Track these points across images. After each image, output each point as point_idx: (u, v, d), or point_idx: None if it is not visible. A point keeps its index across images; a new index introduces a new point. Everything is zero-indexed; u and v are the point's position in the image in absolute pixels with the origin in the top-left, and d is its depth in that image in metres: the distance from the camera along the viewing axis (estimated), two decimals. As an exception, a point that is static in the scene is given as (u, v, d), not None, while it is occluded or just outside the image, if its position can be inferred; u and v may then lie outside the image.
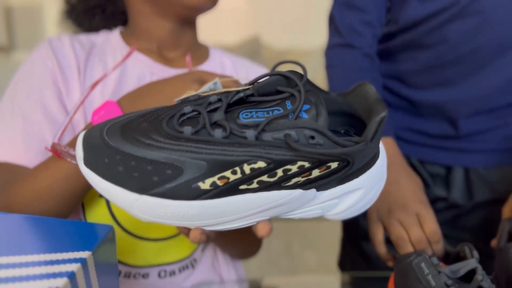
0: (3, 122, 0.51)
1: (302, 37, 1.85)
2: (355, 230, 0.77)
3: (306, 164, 0.29)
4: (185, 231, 0.35)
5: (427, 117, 0.66)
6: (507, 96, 0.61)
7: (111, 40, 0.61)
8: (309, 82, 0.32)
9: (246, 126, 0.29)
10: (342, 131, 0.36)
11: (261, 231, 0.32)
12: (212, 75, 0.43)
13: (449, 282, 0.37)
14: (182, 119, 0.31)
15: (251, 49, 1.77)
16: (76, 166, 0.43)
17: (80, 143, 0.31)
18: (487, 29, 0.57)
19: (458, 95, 0.60)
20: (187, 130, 0.29)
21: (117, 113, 0.43)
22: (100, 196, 0.53)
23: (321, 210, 0.34)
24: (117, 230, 0.53)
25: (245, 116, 0.30)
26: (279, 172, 0.30)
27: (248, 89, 0.32)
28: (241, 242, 0.62)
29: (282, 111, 0.30)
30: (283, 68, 0.34)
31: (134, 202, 0.30)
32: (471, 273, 0.39)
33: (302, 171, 0.30)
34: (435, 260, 0.40)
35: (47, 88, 0.54)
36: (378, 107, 0.31)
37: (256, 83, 0.32)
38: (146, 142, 0.30)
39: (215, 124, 0.30)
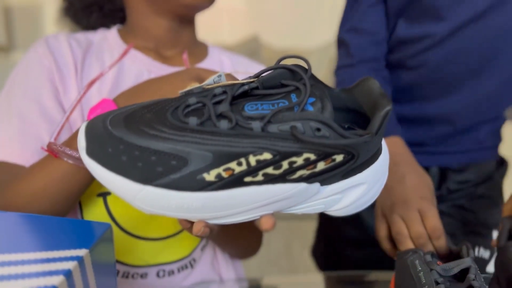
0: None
1: (302, 36, 1.85)
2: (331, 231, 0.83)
3: (312, 156, 0.29)
4: (187, 226, 0.34)
5: (408, 127, 0.71)
6: (477, 114, 0.70)
7: (108, 38, 0.61)
8: (313, 77, 0.32)
9: (252, 118, 0.29)
10: (346, 126, 0.36)
11: (265, 224, 0.32)
12: (210, 72, 0.43)
13: (440, 280, 0.38)
14: (186, 110, 0.30)
15: (250, 48, 1.77)
16: (73, 166, 0.43)
17: (83, 133, 0.31)
18: (462, 57, 0.65)
19: (434, 112, 0.67)
20: (192, 121, 0.29)
21: None
22: (98, 195, 0.52)
23: (324, 205, 0.34)
24: (115, 230, 0.53)
25: (250, 108, 0.30)
26: (285, 164, 0.29)
27: (253, 82, 0.32)
28: (241, 241, 0.62)
29: (287, 103, 0.30)
30: (286, 63, 0.33)
31: (137, 193, 0.29)
32: (467, 272, 0.39)
33: (307, 163, 0.30)
34: (428, 257, 0.40)
35: (44, 87, 0.53)
36: (383, 101, 0.31)
37: (260, 76, 0.32)
38: (150, 133, 0.29)
39: (221, 116, 0.30)
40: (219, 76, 0.33)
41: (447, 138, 0.69)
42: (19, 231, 0.32)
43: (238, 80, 0.39)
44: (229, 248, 0.63)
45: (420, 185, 0.55)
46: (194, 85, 0.32)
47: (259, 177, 0.30)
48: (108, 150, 0.29)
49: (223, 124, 0.29)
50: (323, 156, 0.29)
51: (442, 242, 0.49)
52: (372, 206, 0.53)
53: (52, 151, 0.43)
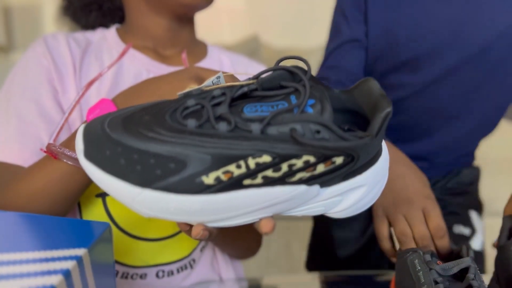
0: None
1: (301, 36, 1.85)
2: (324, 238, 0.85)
3: (312, 159, 0.29)
4: (186, 228, 0.34)
5: None
6: (451, 152, 0.76)
7: (107, 38, 0.61)
8: (313, 78, 0.32)
9: (251, 120, 0.29)
10: (346, 128, 0.36)
11: (264, 227, 0.32)
12: (209, 71, 0.43)
13: (439, 279, 0.38)
14: (185, 112, 0.30)
15: (250, 48, 1.77)
16: (72, 166, 0.43)
17: (81, 136, 0.31)
18: (437, 106, 0.70)
19: (409, 151, 0.69)
20: (191, 123, 0.29)
21: (112, 111, 0.42)
22: (97, 195, 0.52)
23: (324, 208, 0.33)
24: (114, 230, 0.53)
25: (250, 110, 0.30)
26: (284, 167, 0.29)
27: (252, 83, 0.32)
28: (240, 242, 0.62)
29: (287, 105, 0.30)
30: (286, 64, 0.33)
31: (136, 196, 0.29)
32: (466, 271, 0.39)
33: (307, 166, 0.29)
34: (428, 257, 0.40)
35: (42, 87, 0.53)
36: (383, 102, 0.31)
37: (260, 78, 0.32)
38: (149, 135, 0.29)
39: (220, 118, 0.29)
40: (218, 77, 0.33)
41: (424, 170, 0.69)
42: (17, 230, 0.31)
43: (238, 80, 0.39)
44: (228, 249, 0.63)
45: (421, 183, 0.55)
46: (193, 86, 0.32)
47: (259, 180, 0.29)
48: (106, 153, 0.29)
49: (222, 127, 0.29)
50: (323, 158, 0.29)
51: (445, 242, 0.49)
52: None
53: (51, 152, 0.43)
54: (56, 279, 0.25)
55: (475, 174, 0.82)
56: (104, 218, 0.52)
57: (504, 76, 0.67)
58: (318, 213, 0.34)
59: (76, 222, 0.34)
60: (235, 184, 0.29)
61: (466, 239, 0.75)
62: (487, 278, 0.46)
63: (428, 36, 0.65)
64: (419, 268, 0.39)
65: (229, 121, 0.29)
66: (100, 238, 0.32)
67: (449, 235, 0.50)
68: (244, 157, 0.28)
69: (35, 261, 0.27)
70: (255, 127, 0.28)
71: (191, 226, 0.34)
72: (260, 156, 0.28)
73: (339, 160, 0.30)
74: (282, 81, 0.32)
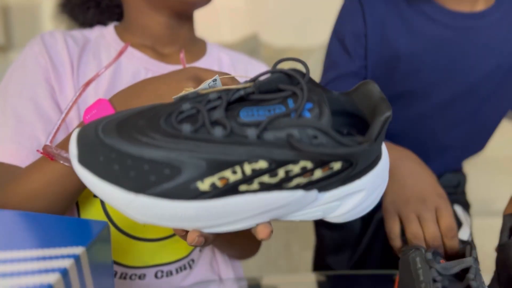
0: None
1: (301, 35, 1.85)
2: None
3: (309, 164, 0.29)
4: (182, 234, 0.34)
5: None
6: (440, 169, 0.77)
7: (105, 36, 0.60)
8: (311, 81, 0.32)
9: (247, 125, 0.28)
10: (345, 131, 0.36)
11: (261, 234, 0.31)
12: (208, 72, 0.42)
13: (438, 278, 0.38)
14: (180, 117, 0.30)
15: (249, 47, 1.76)
16: (69, 167, 0.43)
17: (74, 141, 0.30)
18: (430, 136, 0.72)
19: None
20: (186, 128, 0.29)
21: (109, 111, 0.42)
22: (95, 196, 0.52)
23: (322, 212, 0.33)
24: (113, 231, 0.53)
25: (246, 114, 0.29)
26: (281, 172, 0.29)
27: (249, 86, 0.31)
28: (239, 243, 0.61)
29: (284, 109, 0.29)
30: (285, 65, 0.33)
31: (130, 203, 0.29)
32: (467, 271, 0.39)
33: (304, 171, 0.29)
34: (429, 255, 0.40)
35: (40, 86, 0.53)
36: (383, 106, 0.30)
37: (257, 81, 0.31)
38: (143, 140, 0.29)
39: (215, 123, 0.29)
40: (215, 80, 0.33)
41: None
42: (15, 228, 0.31)
43: (238, 82, 0.38)
44: (227, 250, 0.63)
45: (433, 181, 0.54)
46: (189, 89, 0.32)
47: (255, 186, 0.29)
48: (99, 159, 0.29)
49: (218, 132, 0.28)
50: (320, 164, 0.29)
51: (455, 242, 0.48)
52: None
53: (48, 154, 0.42)
54: (53, 277, 0.25)
55: (461, 179, 0.84)
56: (102, 218, 0.52)
57: (492, 108, 0.72)
58: (317, 218, 0.33)
59: (74, 220, 0.33)
60: (230, 190, 0.29)
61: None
62: (487, 278, 0.46)
63: (422, 74, 0.68)
64: (420, 266, 0.39)
65: (224, 126, 0.28)
66: (98, 237, 0.32)
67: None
68: (240, 163, 0.28)
69: (32, 259, 0.27)
70: (251, 132, 0.28)
71: (187, 231, 0.34)
72: (256, 161, 0.28)
73: (337, 165, 0.29)
74: (279, 83, 0.31)
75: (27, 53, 0.55)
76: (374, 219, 0.78)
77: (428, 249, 0.42)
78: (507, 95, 0.71)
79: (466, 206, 0.83)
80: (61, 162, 0.42)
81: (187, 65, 0.60)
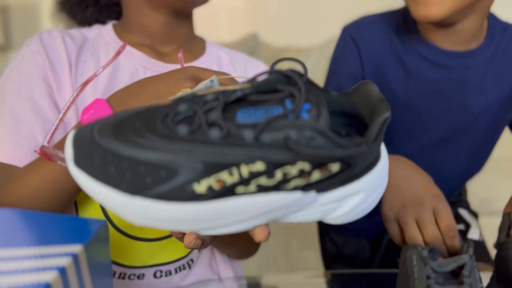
0: None
1: (301, 34, 1.84)
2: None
3: (306, 166, 0.28)
4: (179, 236, 0.34)
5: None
6: None
7: (103, 34, 0.60)
8: (309, 81, 0.31)
9: (244, 126, 0.28)
10: (344, 132, 0.35)
11: (258, 236, 0.31)
12: (206, 71, 0.42)
13: (432, 275, 0.38)
14: (177, 118, 0.29)
15: (249, 47, 1.76)
16: (66, 168, 0.42)
17: (70, 143, 0.30)
18: (432, 169, 0.67)
19: None
20: (182, 130, 0.28)
21: (107, 111, 0.42)
22: None
23: (321, 214, 0.33)
24: (111, 230, 0.53)
25: (243, 116, 0.29)
26: (278, 174, 0.28)
27: (246, 87, 0.31)
28: (238, 244, 0.61)
29: (281, 110, 0.29)
30: (283, 65, 0.33)
31: (126, 205, 0.29)
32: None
33: (302, 173, 0.29)
34: (424, 252, 0.41)
35: (37, 85, 0.52)
36: (381, 107, 0.30)
37: (254, 81, 0.31)
38: (139, 142, 0.28)
39: (212, 124, 0.29)
40: (212, 80, 0.32)
41: None
42: (12, 226, 0.31)
43: (237, 83, 0.38)
44: (226, 250, 0.63)
45: (428, 182, 0.54)
46: (186, 89, 0.32)
47: (252, 188, 0.29)
48: (95, 161, 0.29)
49: (214, 133, 0.28)
50: (318, 165, 0.29)
51: (456, 242, 0.48)
52: None
53: (45, 154, 0.42)
54: (51, 275, 0.25)
55: (462, 190, 0.85)
56: (101, 218, 0.52)
57: (489, 140, 0.75)
58: (315, 219, 0.33)
59: (72, 219, 0.33)
60: (227, 192, 0.29)
61: (463, 233, 0.75)
62: (488, 276, 0.46)
63: (419, 113, 0.70)
64: (415, 263, 0.40)
65: (221, 128, 0.28)
66: (96, 235, 0.31)
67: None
68: (237, 165, 0.28)
69: (30, 257, 0.26)
70: (248, 134, 0.28)
71: (184, 233, 0.33)
72: (253, 163, 0.28)
73: (335, 167, 0.29)
74: (277, 84, 0.31)
75: (25, 52, 0.55)
76: (383, 242, 0.78)
77: (424, 247, 0.42)
78: (503, 125, 0.74)
79: (470, 210, 0.83)
80: (59, 162, 0.42)
81: (186, 64, 0.60)
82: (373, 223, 0.74)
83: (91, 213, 0.52)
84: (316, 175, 0.30)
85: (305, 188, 0.30)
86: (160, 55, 0.60)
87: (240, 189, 0.29)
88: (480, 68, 0.67)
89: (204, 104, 0.30)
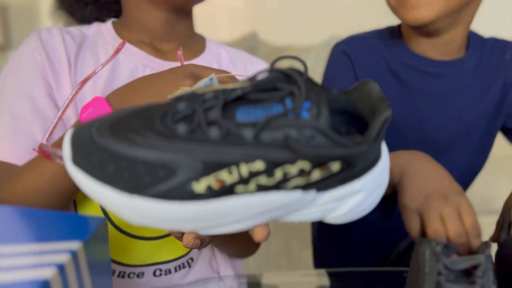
0: None
1: (300, 33, 1.84)
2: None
3: (306, 165, 0.28)
4: (178, 235, 0.34)
5: None
6: None
7: (103, 32, 0.60)
8: (310, 79, 0.31)
9: (244, 125, 0.28)
10: (344, 131, 0.35)
11: (257, 235, 0.31)
12: (206, 69, 0.42)
13: (444, 271, 0.37)
14: (176, 117, 0.29)
15: (249, 46, 1.76)
16: (65, 166, 0.42)
17: (68, 142, 0.30)
18: None
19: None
20: (181, 128, 0.28)
21: (105, 110, 0.41)
22: None
23: (321, 213, 0.32)
24: (111, 229, 0.53)
25: (243, 114, 0.29)
26: (278, 173, 0.28)
27: (246, 86, 0.30)
28: (238, 242, 0.61)
29: (281, 109, 0.29)
30: (283, 63, 0.33)
31: (124, 204, 0.28)
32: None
33: (302, 172, 0.29)
34: (438, 248, 0.40)
35: (36, 83, 0.52)
36: (382, 106, 0.30)
37: (254, 80, 0.31)
38: (137, 141, 0.28)
39: (211, 123, 0.28)
40: (211, 79, 0.32)
41: None
42: (11, 223, 0.31)
43: (237, 81, 0.38)
44: (226, 249, 0.63)
45: (452, 180, 0.52)
46: (186, 88, 0.31)
47: (252, 187, 0.29)
48: (93, 160, 0.28)
49: (214, 132, 0.28)
50: (318, 164, 0.28)
51: (477, 242, 0.46)
52: None
53: (44, 153, 0.42)
54: (50, 272, 0.24)
55: None
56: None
57: (478, 154, 0.76)
58: (315, 219, 0.33)
59: (71, 216, 0.33)
60: (227, 191, 0.28)
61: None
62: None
63: (416, 124, 0.71)
64: (427, 258, 0.39)
65: (221, 126, 0.28)
66: (95, 232, 0.31)
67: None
68: (236, 164, 0.27)
69: (28, 254, 0.26)
70: (248, 133, 0.27)
71: (183, 233, 0.33)
72: (252, 162, 0.28)
73: (335, 166, 0.29)
74: (277, 82, 0.30)
75: (24, 50, 0.55)
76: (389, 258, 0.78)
77: (438, 243, 0.41)
78: (495, 135, 0.76)
79: None
80: (57, 161, 0.42)
81: (186, 62, 0.60)
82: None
83: (90, 212, 0.52)
84: (316, 174, 0.29)
85: (305, 187, 0.30)
86: (159, 53, 0.60)
87: (239, 188, 0.29)
88: (469, 77, 0.70)
89: (204, 102, 0.29)
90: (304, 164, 0.28)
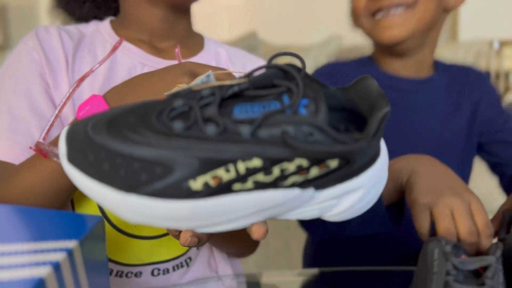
0: None
1: (300, 32, 1.84)
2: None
3: (304, 162, 0.28)
4: (175, 233, 0.34)
5: None
6: None
7: (101, 31, 0.59)
8: (308, 76, 0.31)
9: (241, 122, 0.28)
10: (342, 128, 0.35)
11: (255, 233, 0.31)
12: (204, 67, 0.42)
13: (453, 272, 0.37)
14: (172, 114, 0.29)
15: (248, 45, 1.76)
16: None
17: (64, 139, 0.29)
18: None
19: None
20: (178, 125, 0.28)
21: (103, 108, 0.41)
22: None
23: (319, 211, 0.32)
24: (108, 228, 0.52)
25: (240, 111, 0.28)
26: (276, 171, 0.28)
27: (243, 82, 0.30)
28: (237, 241, 0.61)
29: (279, 105, 0.28)
30: (281, 60, 0.32)
31: (120, 202, 0.28)
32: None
33: (300, 169, 0.28)
34: (448, 248, 0.39)
35: (34, 82, 0.52)
36: (381, 102, 0.30)
37: (251, 76, 0.31)
38: (133, 138, 0.28)
39: (208, 120, 0.28)
40: (208, 76, 0.32)
41: None
42: (6, 222, 0.31)
43: (235, 78, 0.37)
44: (225, 248, 0.63)
45: (462, 180, 0.51)
46: (182, 85, 0.31)
47: (249, 184, 0.28)
48: (89, 157, 0.28)
49: (210, 129, 0.27)
50: (316, 162, 0.28)
51: (488, 242, 0.46)
52: None
53: (41, 151, 0.42)
54: (45, 270, 0.24)
55: None
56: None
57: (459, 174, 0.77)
58: (314, 217, 0.33)
59: (67, 214, 0.33)
60: (224, 189, 0.28)
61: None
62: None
63: (399, 139, 0.72)
64: (436, 257, 0.39)
65: (217, 123, 0.28)
66: (92, 231, 0.31)
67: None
68: (234, 161, 0.27)
69: (23, 252, 0.26)
70: (245, 130, 0.27)
71: (180, 231, 0.33)
72: (250, 159, 0.27)
73: (333, 163, 0.29)
74: (274, 79, 0.30)
75: (22, 48, 0.55)
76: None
77: (448, 242, 0.41)
78: (472, 157, 0.79)
79: None
80: (54, 159, 0.42)
81: (184, 60, 0.60)
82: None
83: (88, 211, 0.52)
84: (314, 172, 0.29)
85: (303, 184, 0.30)
86: (158, 51, 0.60)
87: (236, 186, 0.28)
88: (441, 94, 0.75)
89: (200, 99, 0.29)
90: (302, 161, 0.28)
